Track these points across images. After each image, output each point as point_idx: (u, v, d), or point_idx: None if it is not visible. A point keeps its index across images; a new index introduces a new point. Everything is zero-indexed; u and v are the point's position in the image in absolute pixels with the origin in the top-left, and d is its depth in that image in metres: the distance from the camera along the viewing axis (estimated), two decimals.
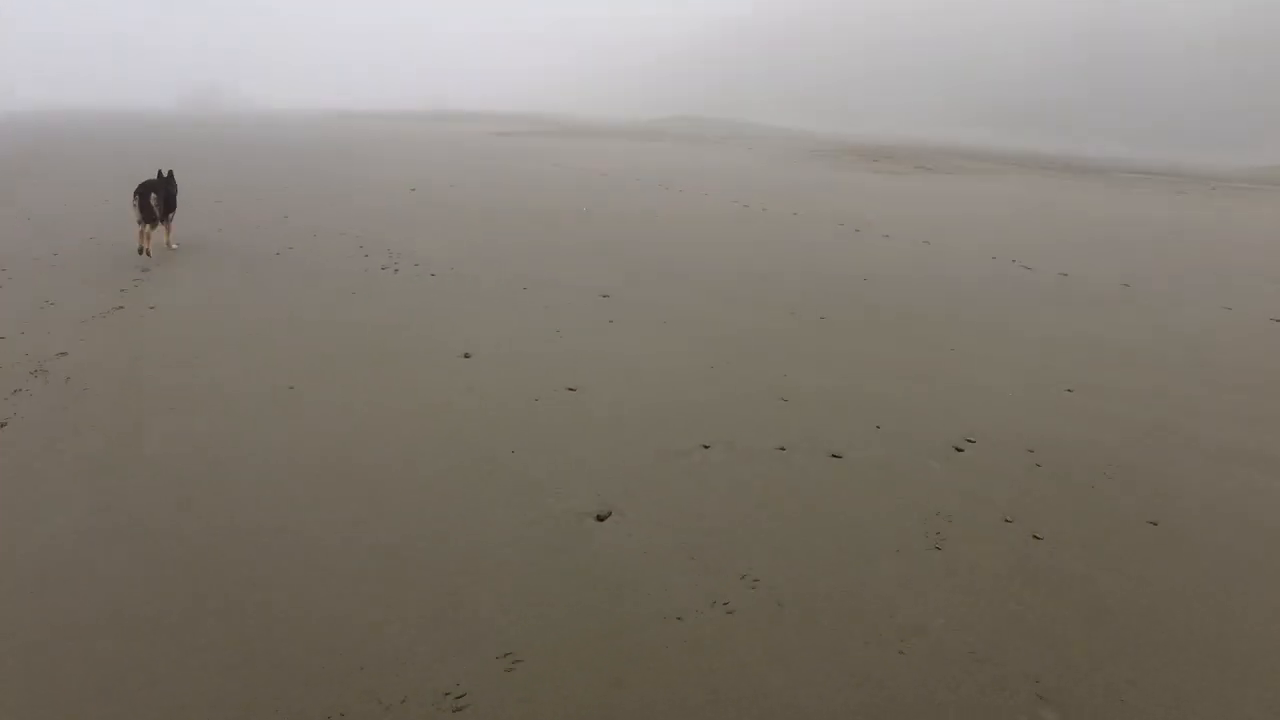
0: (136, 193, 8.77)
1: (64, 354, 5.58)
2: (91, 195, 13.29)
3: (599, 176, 19.13)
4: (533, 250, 9.73)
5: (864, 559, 3.30)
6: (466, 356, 5.72)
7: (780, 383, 5.35)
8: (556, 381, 5.24)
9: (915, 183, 20.46)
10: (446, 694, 2.52)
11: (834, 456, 4.24)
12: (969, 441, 4.48)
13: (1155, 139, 52.62)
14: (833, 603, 3.01)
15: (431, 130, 45.96)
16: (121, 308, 6.75)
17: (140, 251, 8.72)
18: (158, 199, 8.85)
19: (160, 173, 9.24)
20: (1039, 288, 8.61)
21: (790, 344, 6.29)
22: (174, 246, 9.18)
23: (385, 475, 3.91)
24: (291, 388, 5.03)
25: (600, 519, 3.56)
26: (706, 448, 4.31)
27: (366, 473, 3.92)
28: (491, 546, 3.32)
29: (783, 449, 4.31)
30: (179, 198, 9.42)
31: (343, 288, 7.59)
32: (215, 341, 5.89)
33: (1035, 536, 3.51)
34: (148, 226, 8.76)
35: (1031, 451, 4.39)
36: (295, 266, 8.44)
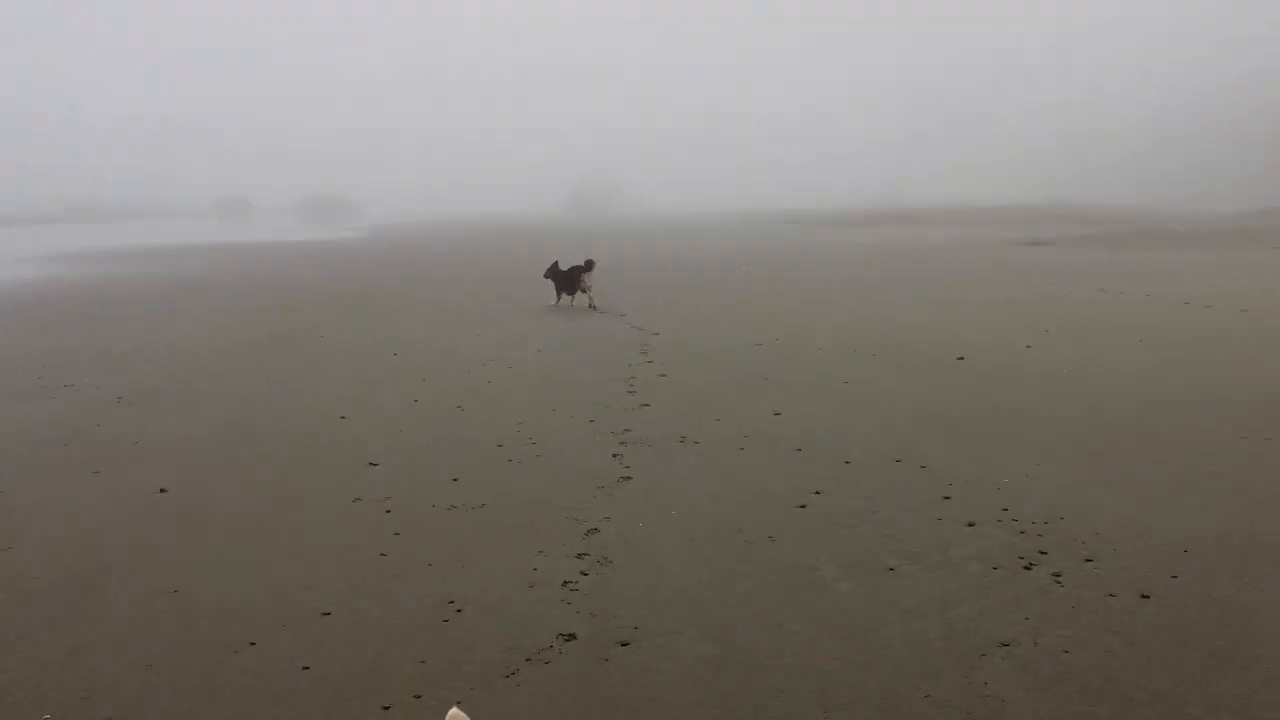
0: (577, 270, 15.56)
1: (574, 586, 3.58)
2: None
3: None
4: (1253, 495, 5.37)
5: None
6: None
7: None
8: None
9: None
10: None
11: None
12: None
13: None
14: None
15: (913, 240, 34.44)
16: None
17: (590, 306, 15.18)
18: (586, 276, 15.27)
19: (587, 261, 15.51)
20: None
21: None
22: (597, 307, 15.15)
23: None
24: None
25: None
26: None
27: None
28: None
29: None
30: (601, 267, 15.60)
31: (954, 595, 4.36)
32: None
33: None
34: (581, 291, 15.25)
35: None
36: (847, 529, 5.21)
